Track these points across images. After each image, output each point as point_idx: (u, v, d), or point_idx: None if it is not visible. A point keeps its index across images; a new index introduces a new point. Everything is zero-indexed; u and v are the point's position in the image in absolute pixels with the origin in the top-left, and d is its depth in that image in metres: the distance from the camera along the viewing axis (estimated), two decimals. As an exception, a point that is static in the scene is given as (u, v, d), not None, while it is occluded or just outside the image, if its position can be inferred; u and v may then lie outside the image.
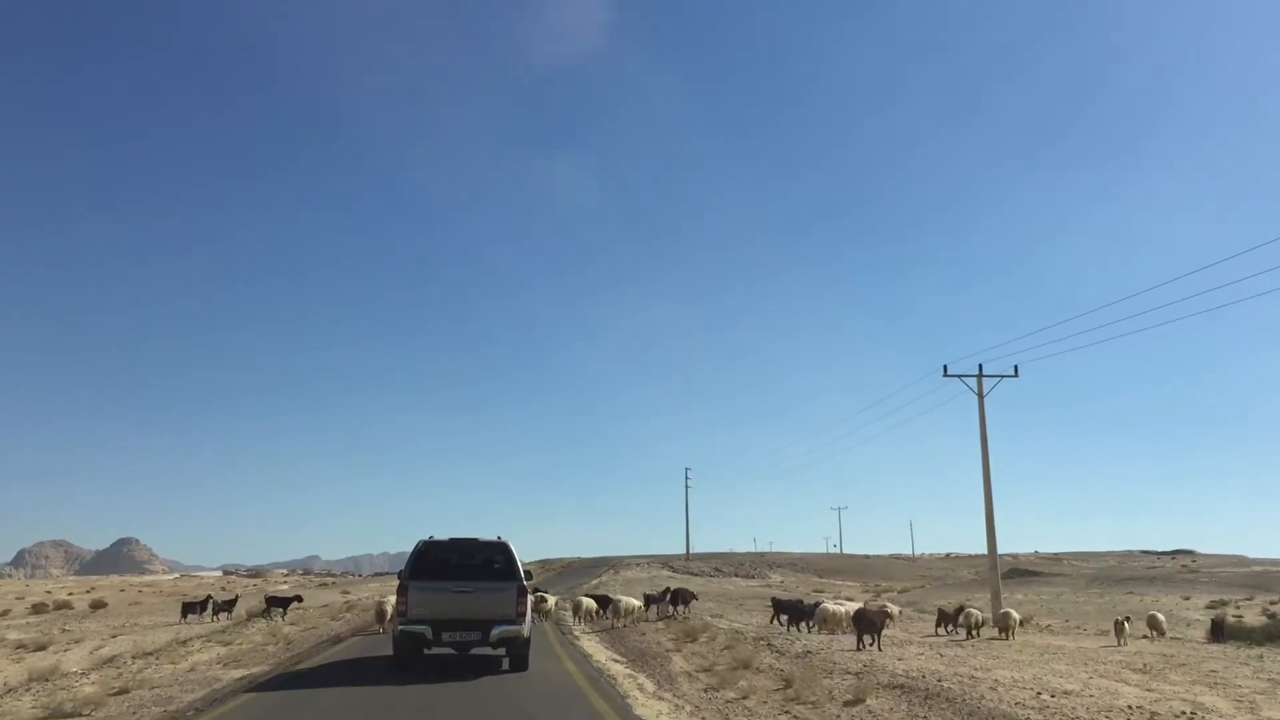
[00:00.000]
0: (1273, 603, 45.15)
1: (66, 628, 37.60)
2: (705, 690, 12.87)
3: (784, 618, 25.96)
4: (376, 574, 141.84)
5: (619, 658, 17.74)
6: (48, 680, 14.60)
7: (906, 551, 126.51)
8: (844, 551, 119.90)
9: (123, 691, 12.70)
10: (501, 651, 15.34)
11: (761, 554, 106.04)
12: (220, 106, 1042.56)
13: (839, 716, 10.81)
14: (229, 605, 34.68)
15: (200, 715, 10.99)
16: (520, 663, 15.12)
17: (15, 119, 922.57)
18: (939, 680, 12.87)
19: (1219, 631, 26.39)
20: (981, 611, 26.57)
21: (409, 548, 16.13)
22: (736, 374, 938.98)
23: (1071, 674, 15.30)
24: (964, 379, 36.56)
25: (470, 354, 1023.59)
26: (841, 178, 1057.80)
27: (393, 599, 19.15)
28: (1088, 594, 57.71)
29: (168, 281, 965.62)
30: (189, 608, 34.09)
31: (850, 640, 20.36)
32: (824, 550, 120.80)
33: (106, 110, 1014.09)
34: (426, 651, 15.08)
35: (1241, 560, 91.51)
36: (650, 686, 13.35)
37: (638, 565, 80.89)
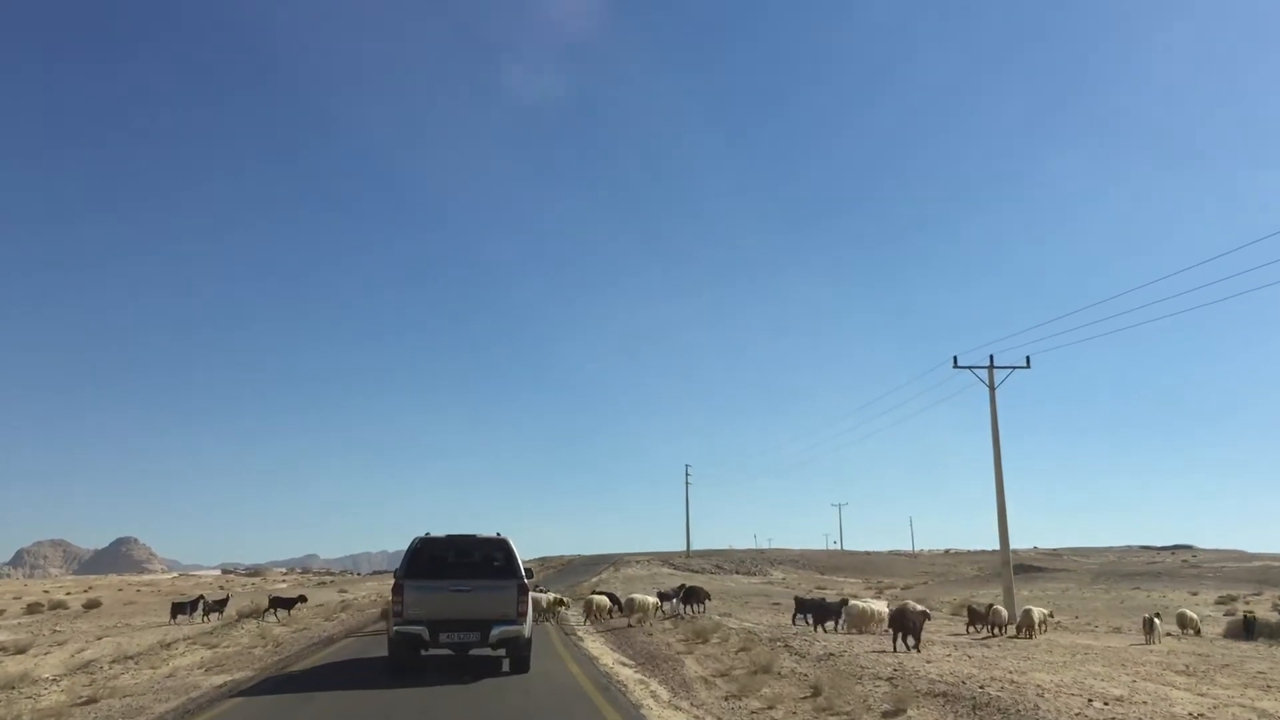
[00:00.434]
0: (1283, 598, 44.47)
1: (57, 628, 36.71)
2: (726, 699, 11.82)
3: (807, 617, 24.92)
4: (375, 572, 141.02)
5: (627, 660, 16.67)
6: (14, 688, 13.56)
7: (906, 548, 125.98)
8: (844, 548, 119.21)
9: (90, 701, 11.71)
10: (502, 653, 14.70)
11: (762, 551, 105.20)
12: (219, 105, 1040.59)
13: (879, 729, 9.82)
14: (220, 605, 33.65)
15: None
16: (521, 664, 14.49)
17: (12, 118, 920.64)
18: (981, 687, 11.77)
19: (1250, 629, 25.37)
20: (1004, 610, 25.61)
21: (407, 546, 15.37)
22: (736, 371, 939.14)
23: (1112, 676, 14.31)
24: (975, 370, 35.67)
25: (469, 352, 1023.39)
26: (841, 173, 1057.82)
27: None
28: (1094, 590, 57.03)
29: (166, 281, 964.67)
30: (179, 608, 33.08)
31: (870, 641, 19.33)
32: (824, 547, 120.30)
33: (105, 109, 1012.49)
34: (424, 653, 14.38)
35: (1242, 555, 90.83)
36: (664, 694, 12.35)
37: (638, 563, 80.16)
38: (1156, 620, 22.28)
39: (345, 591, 57.84)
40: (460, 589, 14.16)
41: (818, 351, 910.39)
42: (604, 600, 26.39)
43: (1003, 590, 34.15)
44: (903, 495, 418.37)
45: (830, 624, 23.84)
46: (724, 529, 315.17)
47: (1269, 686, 13.81)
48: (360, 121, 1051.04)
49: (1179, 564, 77.19)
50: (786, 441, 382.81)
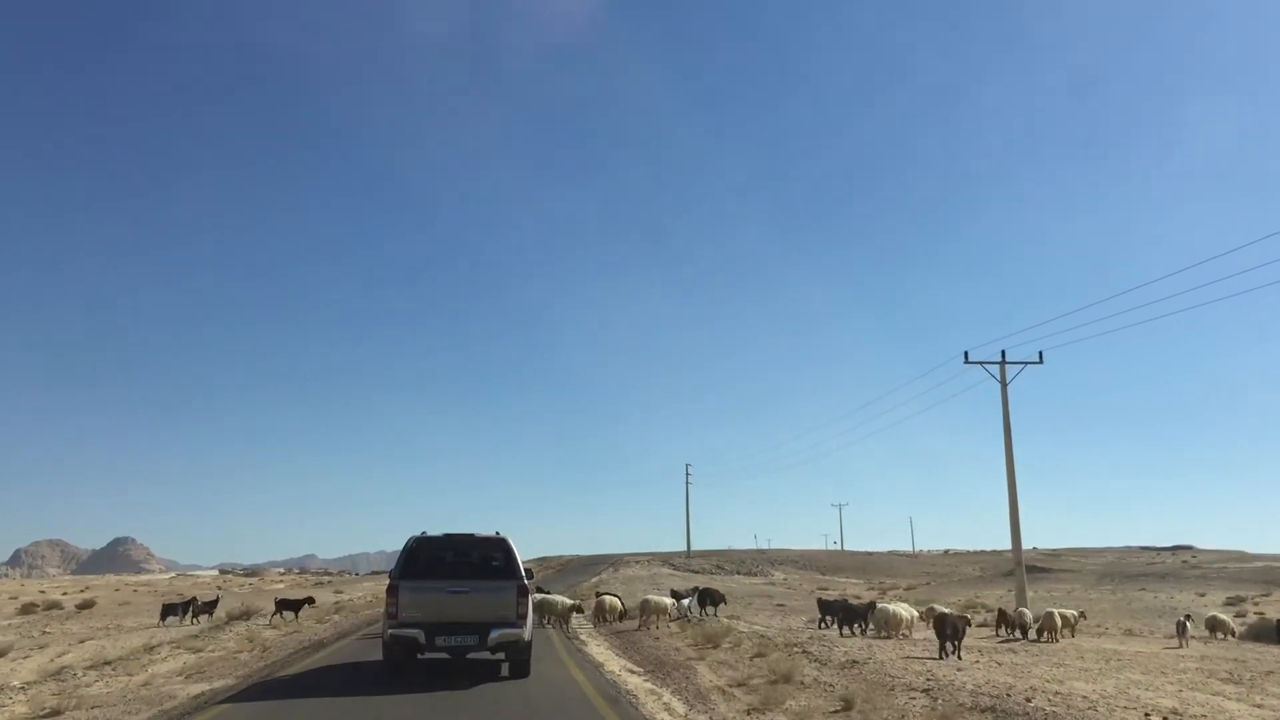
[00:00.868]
0: (1292, 599, 43.75)
1: (46, 629, 35.86)
2: (748, 712, 10.78)
3: (828, 619, 23.95)
4: (373, 572, 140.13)
5: (635, 667, 15.61)
6: (-23, 698, 12.65)
7: (905, 548, 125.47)
8: (844, 548, 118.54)
9: (54, 714, 10.75)
10: (501, 656, 14.03)
11: (762, 551, 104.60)
12: (217, 104, 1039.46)
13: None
14: (210, 607, 32.63)
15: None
16: (521, 668, 13.87)
17: (9, 116, 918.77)
18: (1028, 700, 10.83)
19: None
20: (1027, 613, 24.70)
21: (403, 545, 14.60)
22: (735, 370, 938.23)
23: (1155, 685, 13.40)
24: (986, 366, 35.06)
25: (467, 351, 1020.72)
26: (841, 172, 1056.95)
27: None
28: (1100, 591, 56.39)
29: (165, 279, 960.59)
30: (169, 610, 32.05)
31: (891, 647, 18.41)
32: (823, 547, 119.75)
33: (103, 107, 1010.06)
34: (420, 657, 13.69)
35: (1242, 555, 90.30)
36: (679, 707, 11.30)
37: (637, 563, 79.54)
38: (1189, 623, 21.44)
39: (341, 592, 56.97)
40: (457, 590, 13.55)
41: (818, 351, 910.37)
42: (615, 601, 25.35)
43: (1015, 591, 33.35)
44: (901, 495, 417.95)
45: (856, 627, 23.01)
46: (723, 529, 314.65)
47: (1325, 696, 12.94)
48: (359, 119, 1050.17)
49: (1179, 564, 76.73)
50: (786, 441, 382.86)
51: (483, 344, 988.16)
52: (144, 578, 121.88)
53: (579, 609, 24.95)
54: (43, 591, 71.38)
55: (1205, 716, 10.60)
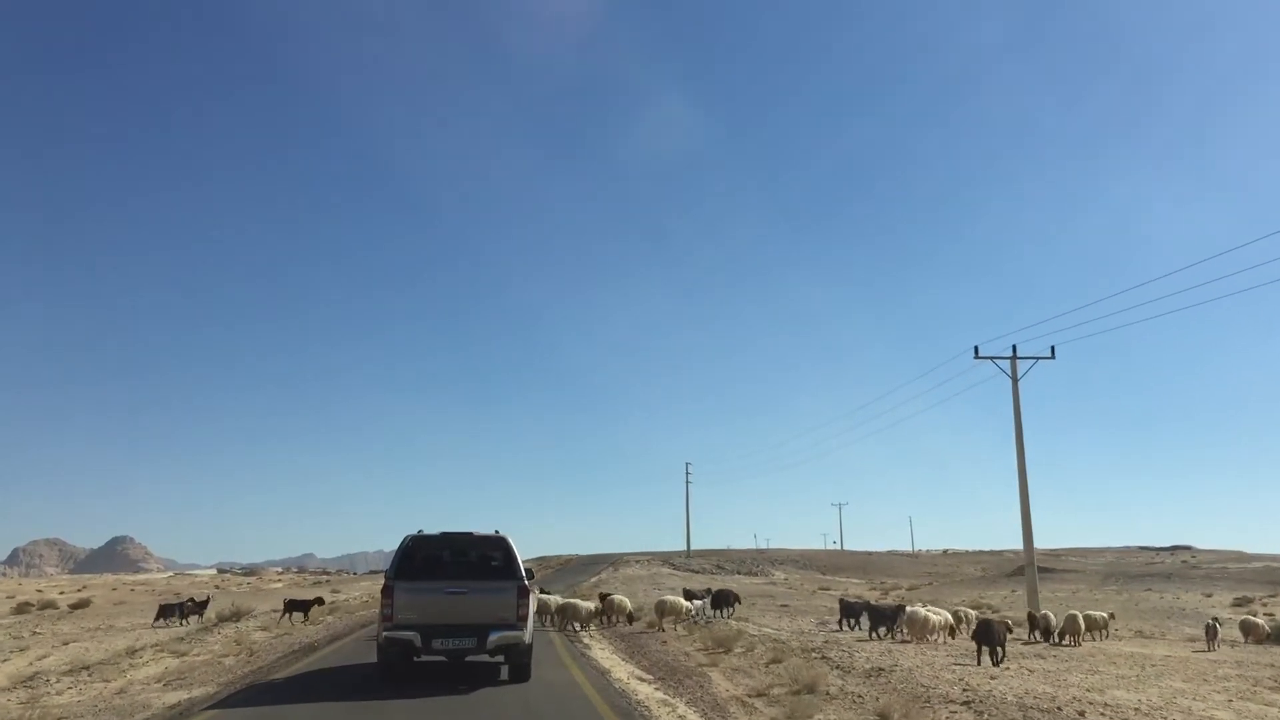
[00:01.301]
0: (1299, 600, 43.23)
1: (37, 630, 35.06)
2: (773, 728, 9.88)
3: (851, 621, 23.08)
4: (371, 572, 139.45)
5: (644, 674, 14.60)
6: (-61, 707, 11.79)
7: (904, 548, 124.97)
8: (844, 548, 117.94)
9: (16, 725, 9.96)
10: (500, 660, 13.41)
11: (762, 551, 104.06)
12: (218, 103, 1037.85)
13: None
14: (200, 607, 31.75)
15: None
16: (521, 672, 13.24)
17: (9, 116, 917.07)
18: (1081, 714, 9.91)
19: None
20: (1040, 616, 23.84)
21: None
22: (734, 369, 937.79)
23: (1202, 694, 12.54)
24: (997, 361, 34.25)
25: (466, 350, 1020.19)
26: (841, 171, 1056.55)
27: None
28: (1105, 591, 55.73)
29: (163, 278, 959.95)
30: (167, 610, 31.13)
31: (913, 652, 17.56)
32: (822, 546, 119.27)
33: (103, 107, 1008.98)
34: (415, 660, 13.12)
35: (1241, 556, 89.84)
36: (695, 720, 10.36)
37: (637, 562, 78.97)
38: (1218, 625, 20.66)
39: (338, 591, 56.20)
40: (455, 591, 12.91)
41: (817, 350, 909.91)
42: (625, 601, 24.37)
43: (1027, 592, 32.51)
44: (899, 495, 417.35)
45: (883, 629, 22.20)
46: (722, 528, 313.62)
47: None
48: (359, 118, 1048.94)
49: (1179, 565, 76.22)
50: (785, 440, 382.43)
51: (483, 344, 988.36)
52: (141, 577, 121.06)
53: (601, 613, 23.68)
54: (40, 591, 70.69)
55: (1271, 731, 9.79)
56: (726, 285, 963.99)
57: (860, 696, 11.50)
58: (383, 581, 13.46)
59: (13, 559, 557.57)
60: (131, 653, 18.59)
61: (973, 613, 25.33)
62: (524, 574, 13.37)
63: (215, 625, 26.81)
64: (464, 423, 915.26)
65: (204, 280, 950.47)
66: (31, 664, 19.38)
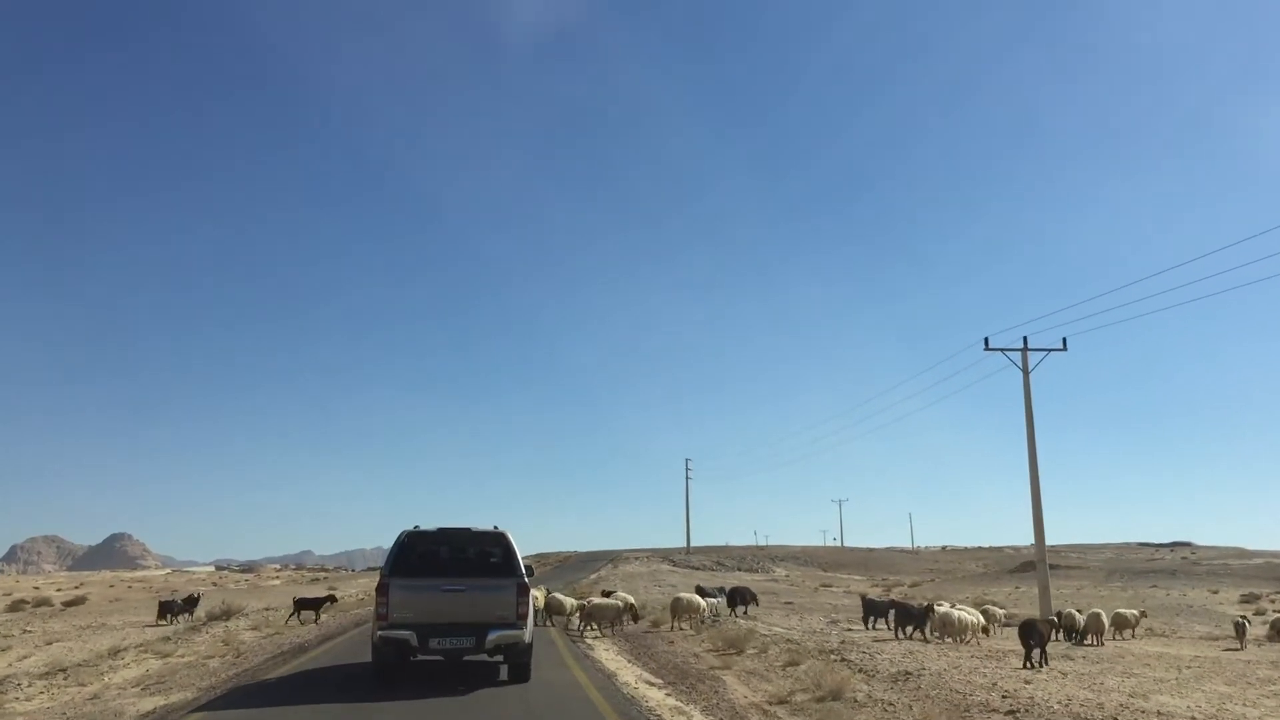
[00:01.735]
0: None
1: (27, 628, 34.66)
2: (800, 740, 9.11)
3: (875, 620, 22.64)
4: (369, 569, 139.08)
5: (653, 677, 13.90)
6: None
7: (903, 544, 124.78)
8: (844, 544, 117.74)
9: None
10: (499, 660, 13.06)
11: (762, 547, 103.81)
12: (218, 103, 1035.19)
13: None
14: (190, 605, 31.23)
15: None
16: (521, 672, 12.91)
17: (9, 116, 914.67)
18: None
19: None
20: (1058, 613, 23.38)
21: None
22: (734, 366, 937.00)
23: (1250, 699, 11.82)
24: (1007, 353, 33.73)
25: (465, 347, 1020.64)
26: (841, 170, 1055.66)
27: None
28: (1110, 588, 55.43)
29: (162, 276, 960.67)
30: (166, 608, 30.67)
31: (935, 653, 17.11)
32: (821, 543, 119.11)
33: (103, 107, 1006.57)
34: (412, 660, 12.69)
35: (1242, 552, 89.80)
36: (716, 734, 9.61)
37: (636, 559, 78.75)
38: (1247, 623, 20.44)
39: (334, 589, 55.80)
40: (453, 588, 12.55)
41: (817, 347, 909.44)
42: (631, 600, 23.78)
43: (1039, 589, 32.01)
44: (898, 492, 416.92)
45: (910, 628, 21.75)
46: (722, 525, 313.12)
47: None
48: (359, 118, 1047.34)
49: (1181, 561, 76.07)
50: (785, 437, 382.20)
51: (482, 342, 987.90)
52: (139, 574, 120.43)
53: (631, 607, 22.49)
54: (36, 588, 70.24)
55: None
56: (726, 283, 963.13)
57: (892, 704, 10.80)
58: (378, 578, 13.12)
59: (10, 556, 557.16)
60: (114, 653, 18.03)
61: (1000, 612, 24.74)
62: (524, 571, 12.98)
63: (204, 624, 26.27)
64: (463, 420, 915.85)
65: (203, 279, 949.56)
66: (10, 665, 18.85)
